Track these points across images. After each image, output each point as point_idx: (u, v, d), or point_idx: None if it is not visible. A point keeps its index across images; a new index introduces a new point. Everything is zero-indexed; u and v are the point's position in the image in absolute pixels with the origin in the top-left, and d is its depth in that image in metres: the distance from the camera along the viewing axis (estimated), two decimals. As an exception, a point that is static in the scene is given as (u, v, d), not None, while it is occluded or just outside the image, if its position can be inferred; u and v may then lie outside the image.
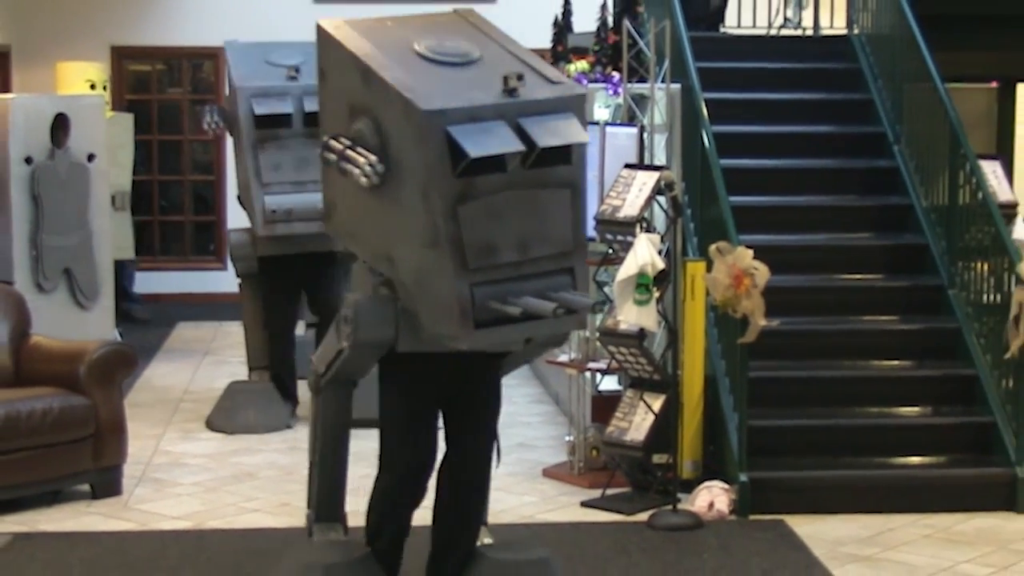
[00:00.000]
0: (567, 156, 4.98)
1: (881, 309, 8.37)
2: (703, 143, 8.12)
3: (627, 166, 7.66)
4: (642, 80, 8.59)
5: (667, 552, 6.61)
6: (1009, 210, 8.45)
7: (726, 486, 7.27)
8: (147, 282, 14.17)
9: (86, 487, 7.45)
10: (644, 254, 7.08)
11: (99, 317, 10.05)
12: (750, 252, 7.08)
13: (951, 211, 8.34)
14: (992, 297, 7.80)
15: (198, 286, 14.72)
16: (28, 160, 9.55)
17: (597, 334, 7.75)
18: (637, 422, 7.45)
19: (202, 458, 8.36)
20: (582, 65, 9.32)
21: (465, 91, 4.87)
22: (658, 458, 7.48)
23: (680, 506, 7.13)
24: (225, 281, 14.50)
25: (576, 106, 5.04)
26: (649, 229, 7.69)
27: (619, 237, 7.44)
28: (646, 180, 7.44)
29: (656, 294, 7.14)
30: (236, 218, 14.69)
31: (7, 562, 6.43)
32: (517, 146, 4.82)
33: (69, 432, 7.25)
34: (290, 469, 8.09)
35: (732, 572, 6.36)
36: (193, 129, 15.20)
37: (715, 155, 8.01)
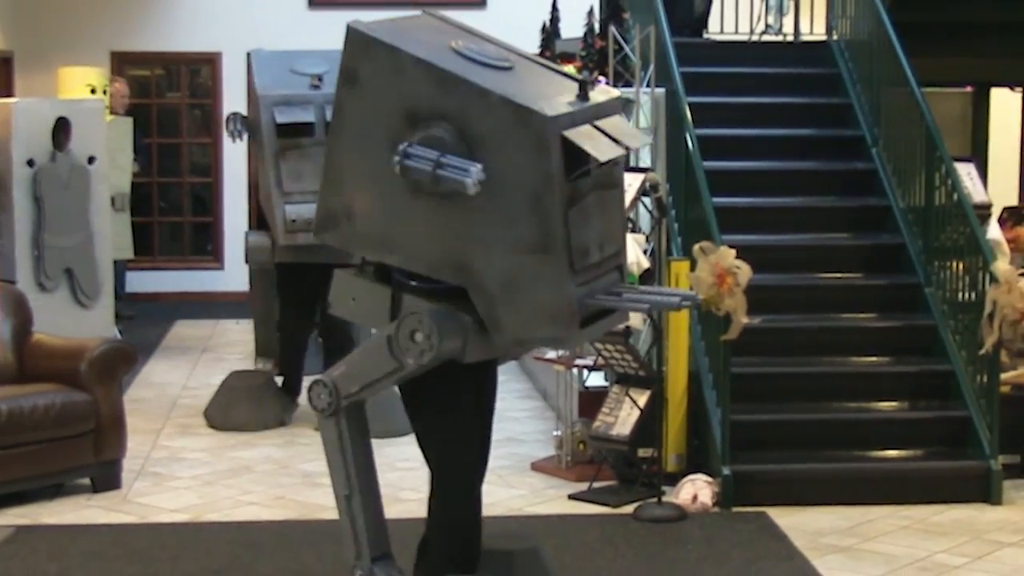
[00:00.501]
0: (626, 157, 4.97)
1: (860, 307, 8.37)
2: (687, 146, 8.12)
3: (613, 168, 7.64)
4: (628, 84, 8.59)
5: (652, 543, 6.61)
6: (983, 211, 8.47)
7: (709, 479, 7.27)
8: (146, 281, 14.16)
9: (87, 481, 7.44)
10: (629, 253, 7.06)
11: (99, 315, 10.03)
12: (732, 252, 7.07)
13: (927, 212, 8.34)
14: (967, 295, 7.81)
15: (196, 285, 14.70)
16: (30, 162, 9.54)
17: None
18: (623, 417, 7.45)
19: (200, 453, 8.34)
20: (569, 70, 9.29)
21: (550, 96, 4.73)
22: (643, 452, 7.47)
23: (665, 499, 7.13)
24: (222, 280, 14.51)
25: (623, 108, 5.05)
26: (634, 229, 7.69)
27: (605, 237, 7.41)
28: (631, 181, 7.42)
29: (641, 292, 7.12)
30: (233, 219, 14.75)
31: (10, 553, 6.42)
32: (621, 150, 4.80)
33: (70, 427, 7.23)
34: (285, 463, 8.08)
35: (715, 563, 6.36)
36: (192, 133, 15.22)
37: (699, 157, 8.00)
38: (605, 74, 8.73)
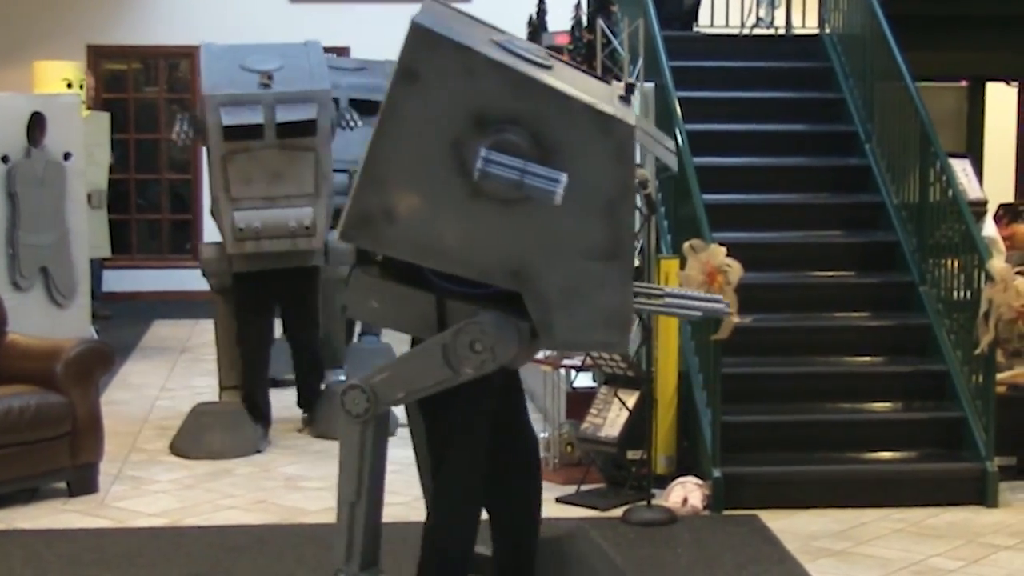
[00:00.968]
0: None
1: (852, 305, 8.39)
2: (676, 141, 8.12)
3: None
4: (616, 79, 8.59)
5: (642, 547, 6.61)
6: (978, 207, 8.49)
7: (700, 481, 7.28)
8: (124, 280, 14.14)
9: (63, 484, 7.41)
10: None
11: (75, 315, 10.01)
12: (723, 249, 7.08)
13: (922, 209, 8.36)
14: (962, 294, 7.83)
15: (175, 284, 14.69)
16: (5, 159, 9.50)
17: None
18: (611, 418, 7.45)
19: (179, 456, 8.32)
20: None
21: (605, 99, 4.74)
22: (632, 454, 7.48)
23: (654, 501, 7.13)
24: (201, 280, 14.46)
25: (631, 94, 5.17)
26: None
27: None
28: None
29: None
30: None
31: (-16, 559, 6.41)
32: (674, 155, 4.94)
33: (46, 430, 7.21)
34: (266, 466, 8.07)
35: (706, 567, 6.36)
36: (169, 128, 15.17)
37: (688, 153, 8.01)
38: (593, 68, 8.73)
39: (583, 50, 9.37)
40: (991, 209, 9.22)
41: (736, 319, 7.02)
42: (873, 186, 8.94)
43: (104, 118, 12.90)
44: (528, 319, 4.79)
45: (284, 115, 8.08)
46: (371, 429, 5.00)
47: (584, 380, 8.21)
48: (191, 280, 14.54)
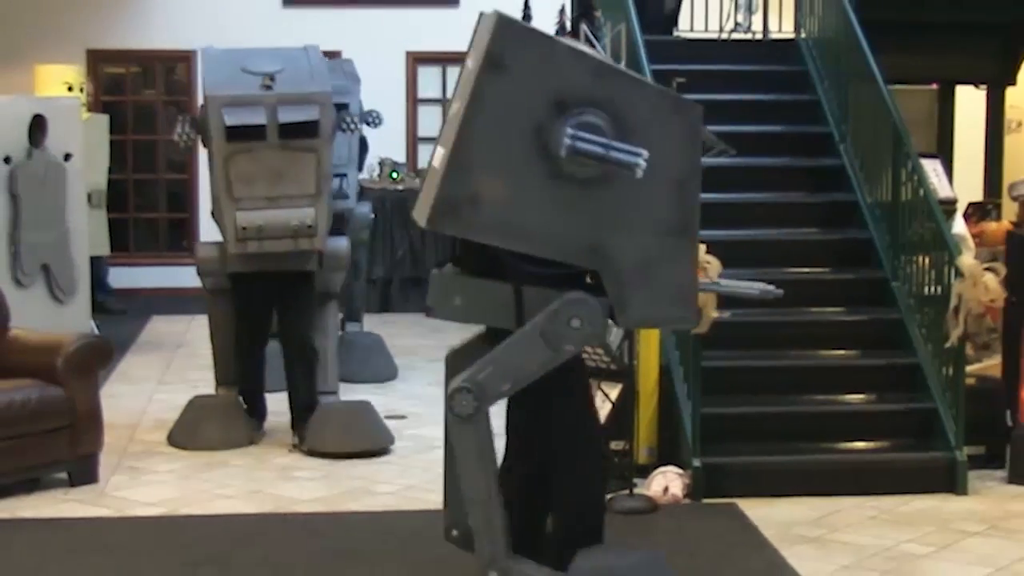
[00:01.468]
0: None
1: (828, 301, 8.39)
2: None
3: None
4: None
5: (624, 535, 6.59)
6: (949, 206, 8.49)
7: (680, 471, 7.28)
8: (122, 277, 14.10)
9: (64, 475, 7.40)
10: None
11: (76, 311, 10.00)
12: (703, 247, 7.07)
13: (894, 207, 8.36)
14: (933, 289, 7.83)
15: (172, 281, 14.62)
16: (7, 159, 9.48)
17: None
18: (599, 406, 7.44)
19: (176, 447, 8.30)
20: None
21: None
22: (615, 444, 7.46)
23: (636, 490, 7.13)
24: (197, 276, 14.45)
25: None
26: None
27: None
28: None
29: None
30: (208, 216, 14.67)
31: (-13, 548, 6.40)
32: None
33: (47, 422, 7.19)
34: (260, 457, 8.06)
35: (686, 554, 6.35)
36: (167, 129, 15.14)
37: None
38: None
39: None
40: (961, 207, 9.22)
41: (715, 314, 7.02)
42: (847, 185, 8.94)
43: (103, 120, 12.86)
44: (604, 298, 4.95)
45: (287, 116, 7.91)
46: (483, 426, 5.04)
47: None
48: (187, 277, 14.52)
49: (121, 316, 12.89)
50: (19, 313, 8.07)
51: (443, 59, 14.78)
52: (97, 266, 12.30)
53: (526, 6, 10.89)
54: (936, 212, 7.82)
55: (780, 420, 7.68)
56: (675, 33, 10.99)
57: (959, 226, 8.54)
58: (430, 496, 7.24)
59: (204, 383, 9.80)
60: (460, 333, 5.57)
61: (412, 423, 8.93)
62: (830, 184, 9.08)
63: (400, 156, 14.46)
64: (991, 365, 8.29)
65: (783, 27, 10.70)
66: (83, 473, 7.41)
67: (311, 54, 8.40)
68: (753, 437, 7.58)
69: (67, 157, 9.89)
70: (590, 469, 5.40)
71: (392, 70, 14.58)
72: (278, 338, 8.66)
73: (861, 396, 7.91)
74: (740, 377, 7.84)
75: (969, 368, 7.79)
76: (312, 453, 8.09)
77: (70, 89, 12.98)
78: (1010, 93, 11.81)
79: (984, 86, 11.73)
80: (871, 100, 8.66)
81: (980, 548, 6.46)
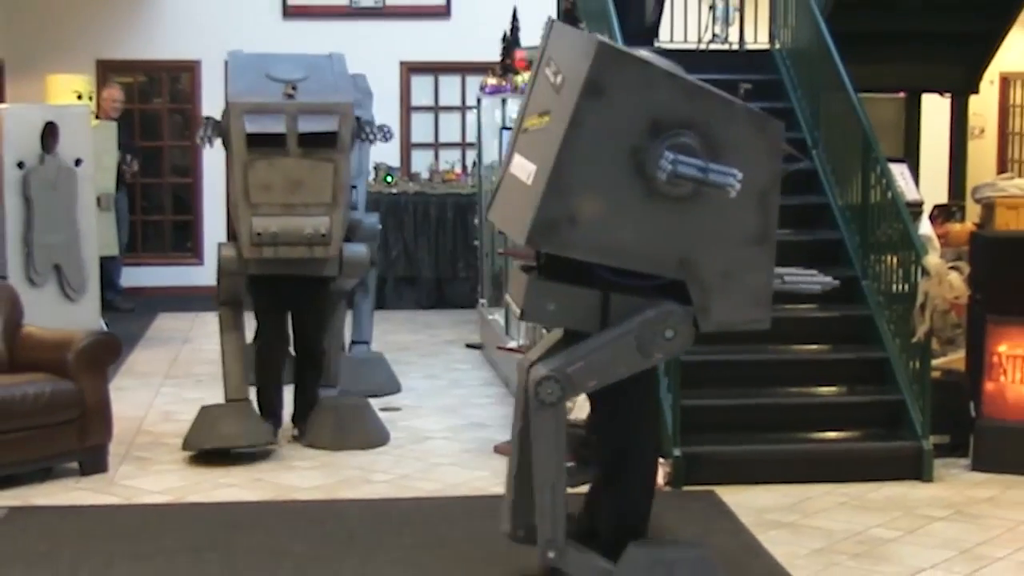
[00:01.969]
0: None
1: (800, 298, 8.33)
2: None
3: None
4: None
5: (608, 520, 6.62)
6: (915, 208, 8.52)
7: (661, 460, 7.29)
8: (130, 276, 14.08)
9: (75, 465, 7.40)
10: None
11: (86, 309, 10.00)
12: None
13: (864, 209, 8.38)
14: (900, 287, 7.86)
15: (177, 280, 14.63)
16: (20, 164, 9.50)
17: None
18: (580, 402, 7.44)
19: (182, 438, 8.28)
20: (528, 76, 9.30)
21: None
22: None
23: (619, 478, 7.14)
24: (201, 275, 14.44)
25: None
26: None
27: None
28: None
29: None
30: (212, 218, 14.71)
31: (4, 533, 6.40)
32: None
33: (59, 414, 7.20)
34: (262, 448, 8.05)
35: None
36: (172, 136, 15.16)
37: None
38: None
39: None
40: (927, 209, 9.26)
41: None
42: (819, 188, 8.95)
43: (111, 127, 12.85)
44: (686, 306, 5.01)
45: (306, 126, 7.69)
46: (562, 415, 5.09)
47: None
48: (192, 276, 14.58)
49: (129, 314, 12.90)
50: (32, 311, 8.07)
51: (435, 68, 14.81)
52: (109, 266, 12.32)
53: (514, 17, 10.88)
54: (903, 214, 7.85)
55: (756, 411, 7.69)
56: (656, 44, 11.00)
57: (925, 227, 8.57)
58: (423, 484, 7.27)
59: (208, 377, 9.83)
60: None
61: (406, 415, 8.94)
62: (803, 187, 9.07)
63: (394, 161, 14.46)
64: (956, 359, 8.33)
65: (758, 38, 10.71)
66: (93, 463, 7.42)
67: (336, 62, 8.11)
68: (730, 428, 7.60)
69: (77, 162, 9.89)
70: (648, 468, 5.49)
71: (386, 79, 14.57)
72: (292, 340, 8.47)
73: (833, 388, 7.93)
74: (718, 371, 7.83)
75: (935, 362, 7.83)
76: (312, 446, 8.08)
77: (80, 97, 12.99)
78: (973, 101, 11.84)
79: (949, 94, 11.75)
80: (842, 108, 8.68)
81: (945, 532, 6.49)
